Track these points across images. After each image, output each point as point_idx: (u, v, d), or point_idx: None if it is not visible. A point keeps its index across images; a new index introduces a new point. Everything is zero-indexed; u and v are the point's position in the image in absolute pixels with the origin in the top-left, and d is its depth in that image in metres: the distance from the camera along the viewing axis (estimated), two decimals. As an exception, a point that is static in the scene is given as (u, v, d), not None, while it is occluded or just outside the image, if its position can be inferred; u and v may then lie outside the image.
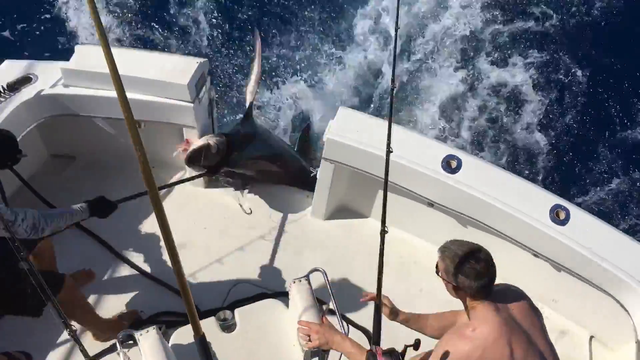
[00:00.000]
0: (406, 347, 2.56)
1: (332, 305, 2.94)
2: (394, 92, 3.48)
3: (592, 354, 3.93)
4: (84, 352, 2.31)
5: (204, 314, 3.34)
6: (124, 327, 3.62)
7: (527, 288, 4.08)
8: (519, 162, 6.65)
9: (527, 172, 6.49)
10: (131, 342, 2.69)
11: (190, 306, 1.69)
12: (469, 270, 2.49)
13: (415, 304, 4.06)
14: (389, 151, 3.08)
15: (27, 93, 4.06)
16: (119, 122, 4.26)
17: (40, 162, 4.55)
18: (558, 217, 3.58)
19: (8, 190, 3.62)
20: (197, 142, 3.95)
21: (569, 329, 4.02)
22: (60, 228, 3.22)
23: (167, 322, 3.73)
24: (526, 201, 3.65)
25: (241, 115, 4.55)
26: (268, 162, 4.58)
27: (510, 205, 3.64)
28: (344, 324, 2.87)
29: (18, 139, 3.52)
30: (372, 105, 6.93)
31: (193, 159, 3.87)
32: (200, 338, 1.75)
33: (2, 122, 3.86)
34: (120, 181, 4.42)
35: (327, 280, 2.95)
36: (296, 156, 5.20)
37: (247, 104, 4.33)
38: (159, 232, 1.70)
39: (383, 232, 2.76)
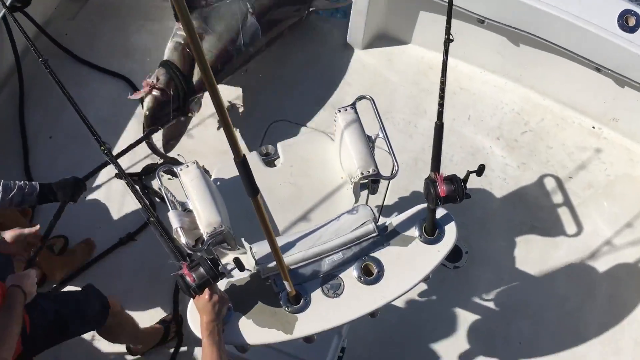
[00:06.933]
0: (469, 172, 2.25)
1: (381, 134, 2.72)
2: None
3: None
4: None
5: None
6: None
7: (586, 107, 3.85)
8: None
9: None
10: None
11: (229, 129, 1.48)
12: None
13: (464, 131, 3.88)
14: None
15: None
16: None
17: (53, 3, 4.21)
18: (627, 23, 3.19)
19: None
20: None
21: (629, 148, 3.80)
22: None
23: None
24: (590, 8, 3.24)
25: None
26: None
27: (572, 14, 3.24)
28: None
29: None
30: None
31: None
32: (241, 160, 1.58)
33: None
34: (139, 22, 4.15)
35: (375, 107, 2.70)
36: None
37: None
38: None
39: (447, 41, 2.37)
